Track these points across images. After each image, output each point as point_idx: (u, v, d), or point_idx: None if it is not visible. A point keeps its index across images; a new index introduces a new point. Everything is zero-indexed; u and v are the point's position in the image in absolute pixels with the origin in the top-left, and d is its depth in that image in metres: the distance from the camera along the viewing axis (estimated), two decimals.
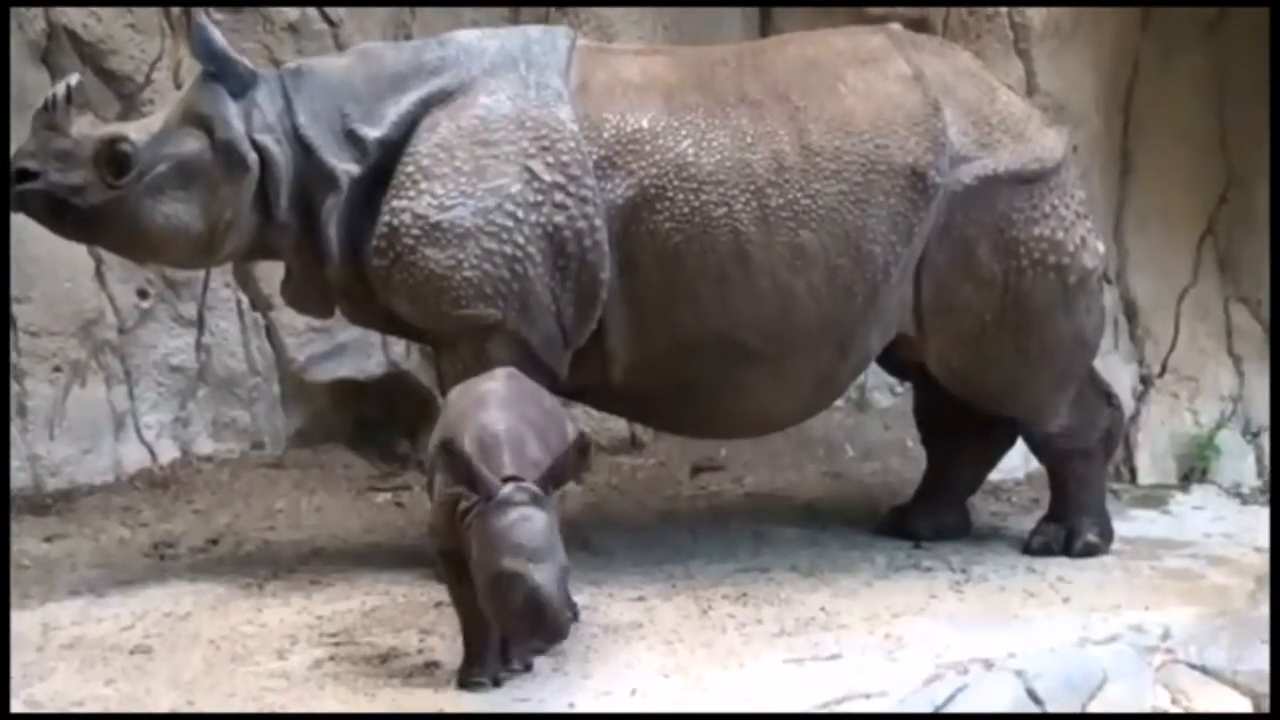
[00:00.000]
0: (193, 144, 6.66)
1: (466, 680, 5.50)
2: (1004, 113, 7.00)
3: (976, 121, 6.91)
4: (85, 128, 6.65)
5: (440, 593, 6.23)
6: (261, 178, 6.68)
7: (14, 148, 6.77)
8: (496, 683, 5.50)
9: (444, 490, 5.39)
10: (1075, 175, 7.24)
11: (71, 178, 6.60)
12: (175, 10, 8.19)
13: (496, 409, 5.53)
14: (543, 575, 5.06)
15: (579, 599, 6.04)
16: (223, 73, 6.69)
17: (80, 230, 6.81)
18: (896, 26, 7.27)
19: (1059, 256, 6.96)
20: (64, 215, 6.67)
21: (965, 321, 6.94)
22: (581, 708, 5.42)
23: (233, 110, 6.67)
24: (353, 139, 6.71)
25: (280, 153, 6.69)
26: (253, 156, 6.66)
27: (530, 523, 5.13)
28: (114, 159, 6.61)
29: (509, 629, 5.27)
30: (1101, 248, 7.22)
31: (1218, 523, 8.00)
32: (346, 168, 6.69)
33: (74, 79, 6.77)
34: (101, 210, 6.62)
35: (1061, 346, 7.08)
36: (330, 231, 6.69)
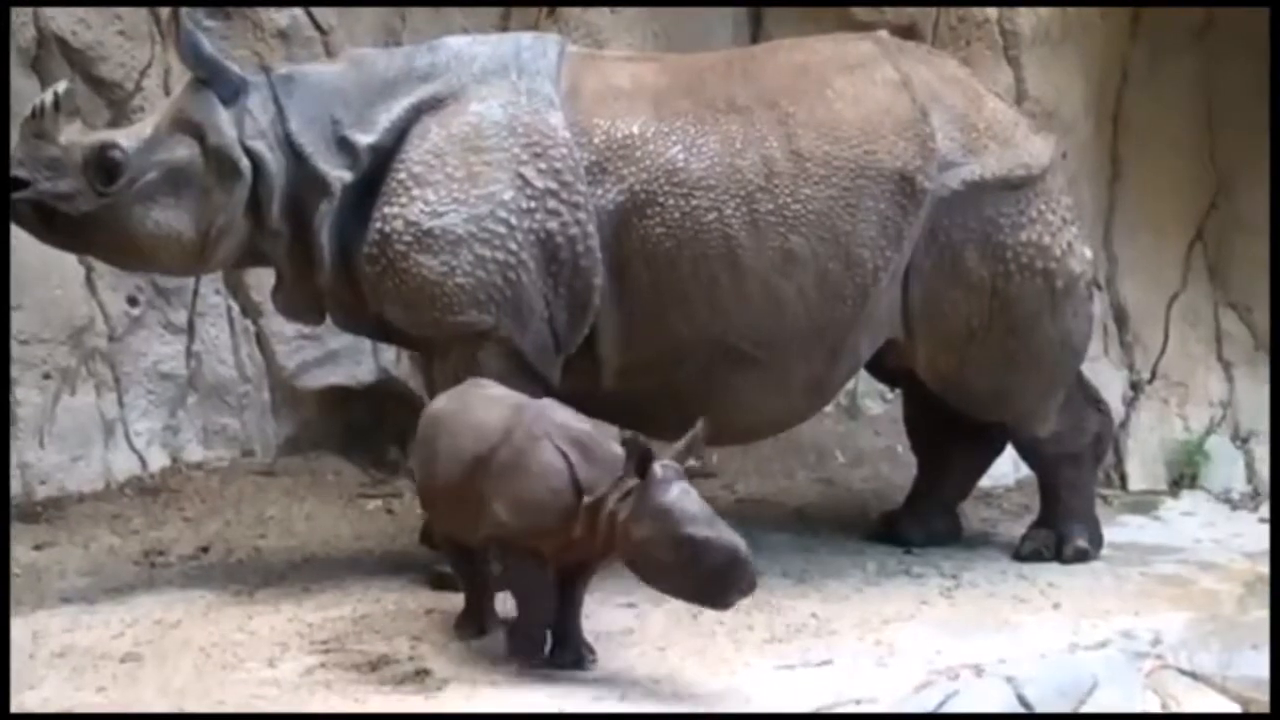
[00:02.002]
0: (183, 150, 6.64)
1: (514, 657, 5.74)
2: (991, 119, 7.01)
3: (964, 127, 6.93)
4: (74, 135, 6.62)
5: (431, 599, 6.25)
6: (254, 184, 6.66)
7: None
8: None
9: (549, 490, 5.55)
10: (1062, 181, 7.26)
11: (61, 185, 6.57)
12: (165, 17, 8.17)
13: (557, 408, 5.78)
14: (728, 535, 5.38)
15: None
16: (213, 79, 6.67)
17: (70, 238, 6.76)
18: (884, 34, 7.29)
19: (1046, 261, 6.98)
20: (53, 223, 6.64)
21: (953, 326, 6.95)
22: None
23: (224, 116, 6.65)
24: (344, 145, 6.70)
25: (273, 159, 6.67)
26: (246, 163, 6.65)
27: (691, 494, 5.47)
28: (104, 166, 6.58)
29: (704, 591, 5.45)
30: (1089, 253, 7.25)
31: (1207, 528, 8.02)
32: (339, 174, 6.68)
33: (62, 86, 6.74)
34: (91, 218, 6.59)
35: (1049, 351, 7.09)
36: (322, 238, 6.68)
